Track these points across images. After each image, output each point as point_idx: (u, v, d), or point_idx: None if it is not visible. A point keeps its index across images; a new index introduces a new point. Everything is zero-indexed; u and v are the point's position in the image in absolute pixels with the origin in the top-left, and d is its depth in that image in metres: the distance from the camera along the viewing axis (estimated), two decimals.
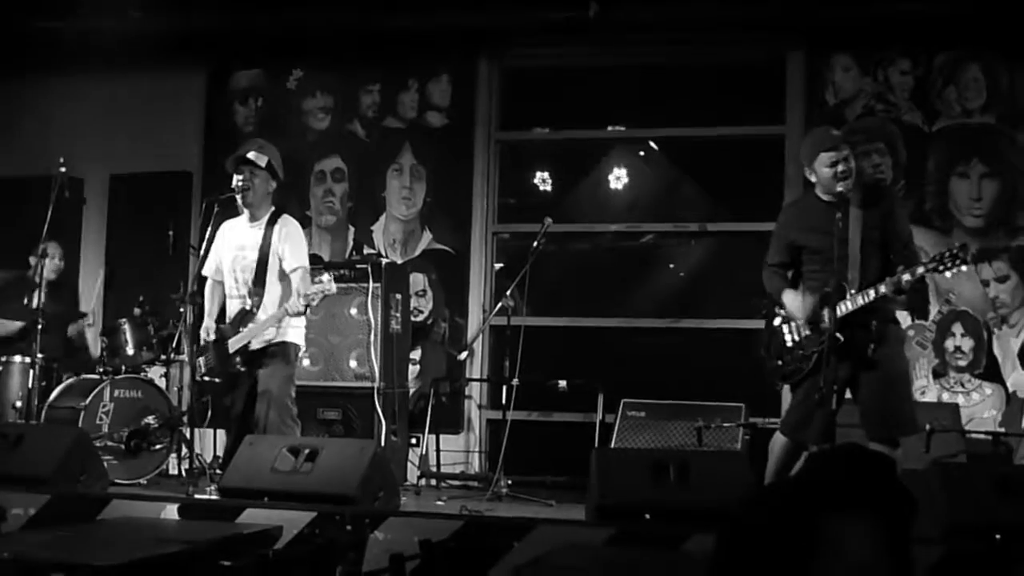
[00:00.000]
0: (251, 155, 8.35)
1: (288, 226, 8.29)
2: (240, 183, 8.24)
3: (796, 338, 6.93)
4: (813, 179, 6.94)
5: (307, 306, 7.90)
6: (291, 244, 8.19)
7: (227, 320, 8.27)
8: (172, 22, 10.97)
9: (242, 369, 8.13)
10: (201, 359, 8.34)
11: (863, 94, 10.40)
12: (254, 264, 8.18)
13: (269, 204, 8.36)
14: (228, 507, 6.93)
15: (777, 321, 7.10)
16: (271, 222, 8.25)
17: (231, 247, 8.35)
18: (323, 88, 11.65)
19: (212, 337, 8.25)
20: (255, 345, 8.09)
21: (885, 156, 10.23)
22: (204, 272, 8.55)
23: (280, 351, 8.10)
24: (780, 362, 7.03)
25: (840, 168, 6.72)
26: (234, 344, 8.12)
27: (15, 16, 10.91)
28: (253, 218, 8.32)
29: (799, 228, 7.05)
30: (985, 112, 10.16)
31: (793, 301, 6.94)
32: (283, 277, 8.16)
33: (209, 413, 9.77)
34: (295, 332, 8.18)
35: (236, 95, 11.86)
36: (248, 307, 8.12)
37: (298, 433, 8.18)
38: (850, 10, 10.17)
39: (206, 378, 8.44)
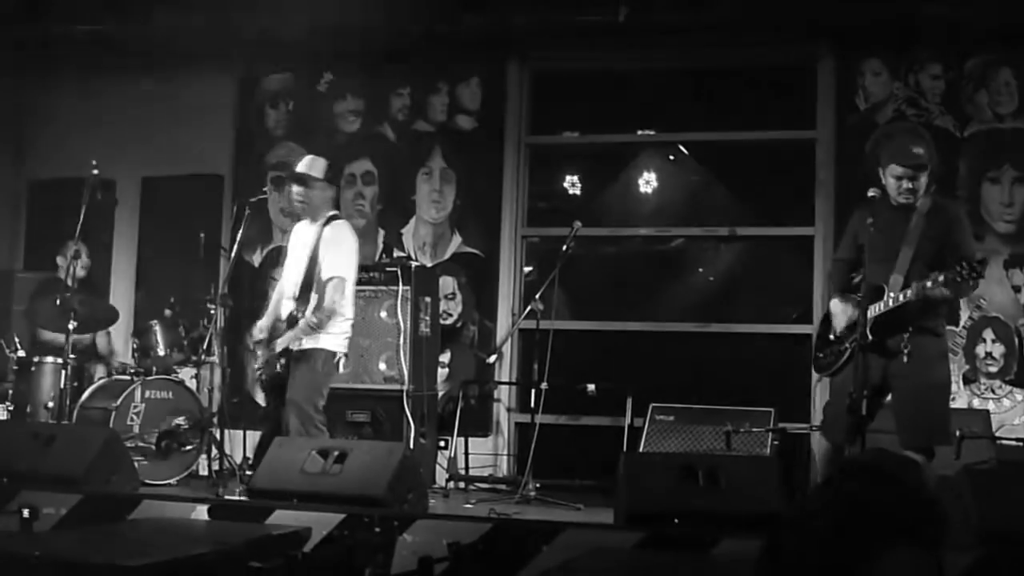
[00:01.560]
0: (302, 168, 8.41)
1: (335, 230, 8.34)
2: (299, 198, 8.36)
3: (837, 333, 7.15)
4: (882, 181, 7.06)
5: (318, 325, 8.01)
6: (332, 251, 8.22)
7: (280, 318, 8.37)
8: (203, 25, 11.01)
9: (281, 372, 8.16)
10: (260, 354, 8.37)
11: (894, 98, 10.36)
12: (304, 267, 8.25)
13: (328, 208, 8.46)
14: (257, 508, 6.95)
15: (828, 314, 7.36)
16: (324, 225, 8.32)
17: (296, 247, 8.48)
18: (353, 91, 11.68)
19: (263, 336, 8.31)
20: (293, 346, 8.13)
21: None
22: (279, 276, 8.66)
23: (305, 357, 8.13)
24: (821, 354, 7.29)
25: (905, 184, 6.87)
26: (279, 345, 8.17)
27: (48, 20, 10.97)
28: (313, 219, 8.39)
29: (863, 225, 7.08)
30: (1017, 117, 10.11)
31: (837, 306, 7.19)
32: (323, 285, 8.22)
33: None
34: (328, 338, 8.19)
35: (267, 98, 11.90)
36: (295, 312, 8.17)
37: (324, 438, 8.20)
38: (880, 14, 10.13)
39: (258, 372, 8.46)
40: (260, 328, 8.39)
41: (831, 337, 7.21)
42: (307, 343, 8.11)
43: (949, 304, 7.30)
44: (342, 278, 8.18)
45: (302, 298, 8.16)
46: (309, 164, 8.41)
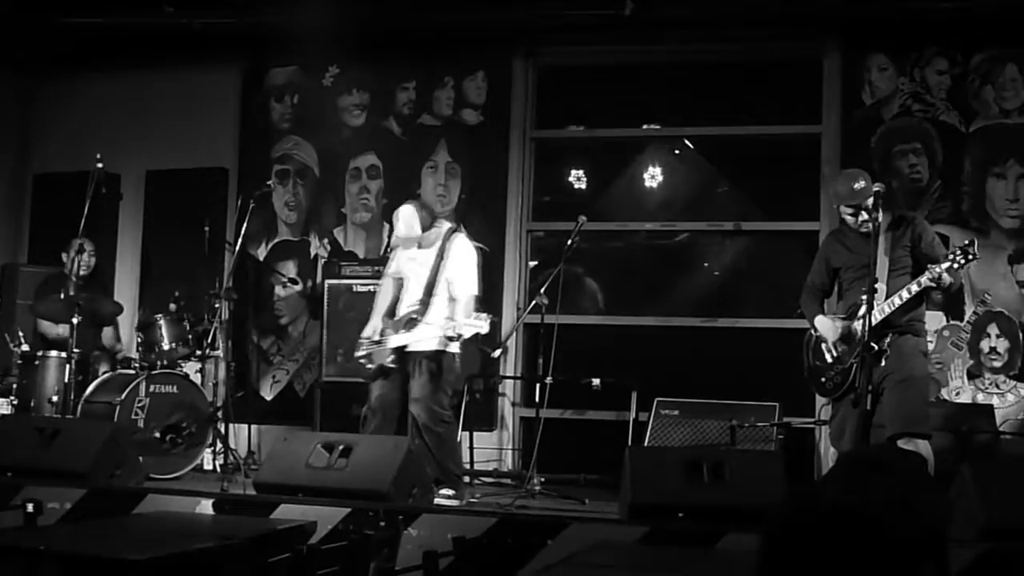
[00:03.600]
0: (405, 233, 8.49)
1: (458, 249, 8.45)
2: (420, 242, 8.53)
3: (835, 353, 7.45)
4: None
5: (458, 336, 8.06)
6: (461, 270, 8.35)
7: (395, 317, 8.47)
8: (208, 18, 11.00)
9: (393, 366, 8.27)
10: (366, 350, 8.41)
11: (899, 94, 10.36)
12: (425, 280, 8.37)
13: (443, 223, 8.59)
14: (263, 502, 6.96)
15: (815, 340, 7.66)
16: (444, 242, 8.43)
17: (408, 257, 8.59)
18: (359, 85, 11.67)
19: (377, 337, 8.42)
20: (413, 348, 8.26)
21: (921, 156, 10.19)
22: (387, 271, 8.80)
23: (430, 359, 8.25)
24: (823, 379, 7.54)
25: (861, 217, 7.32)
26: (394, 342, 8.28)
27: (52, 12, 10.96)
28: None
29: (836, 250, 7.69)
30: (1023, 113, 10.10)
31: (824, 324, 7.53)
32: (450, 295, 8.33)
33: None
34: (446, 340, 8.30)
35: (272, 92, 11.89)
36: (415, 316, 8.29)
37: (452, 432, 8.50)
38: (886, 9, 10.11)
39: (361, 360, 8.47)
40: (372, 328, 8.51)
41: (829, 359, 7.47)
42: (429, 344, 8.24)
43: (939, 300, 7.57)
44: (472, 295, 8.34)
45: (423, 303, 8.31)
46: (408, 224, 8.47)
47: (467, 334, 8.06)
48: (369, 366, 8.46)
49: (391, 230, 10.89)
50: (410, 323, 8.29)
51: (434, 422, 8.17)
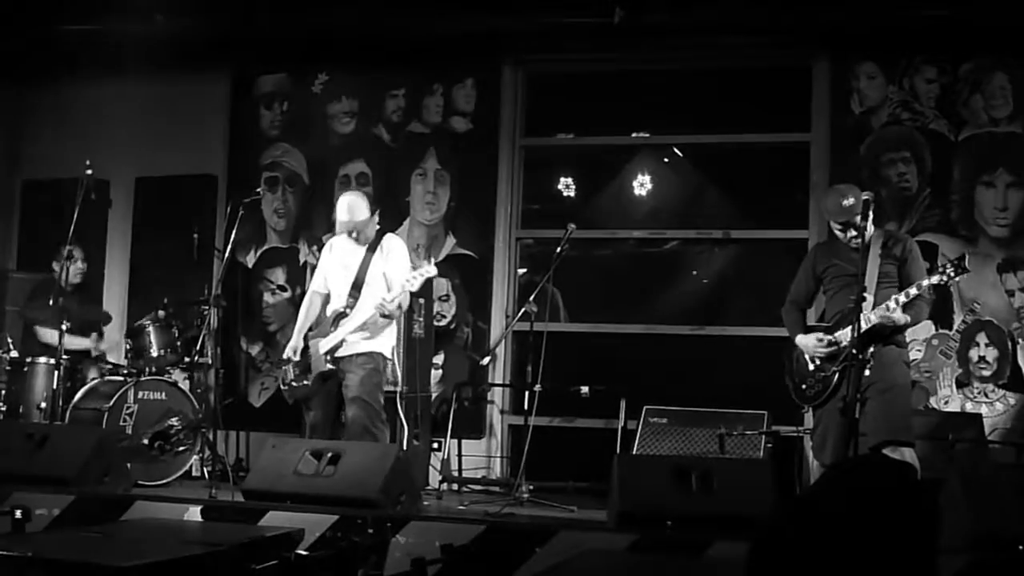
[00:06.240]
0: (349, 217, 8.33)
1: (394, 245, 8.42)
2: (353, 234, 8.37)
3: (817, 363, 7.44)
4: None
5: (393, 309, 8.02)
6: (397, 262, 8.29)
7: (321, 324, 8.40)
8: (198, 26, 11.00)
9: (331, 367, 8.19)
10: (289, 367, 8.37)
11: (889, 102, 10.37)
12: (354, 275, 8.30)
13: (374, 227, 8.46)
14: (251, 509, 6.95)
15: (798, 350, 7.62)
16: (379, 239, 8.39)
17: (336, 263, 8.49)
18: (348, 92, 11.67)
19: (296, 358, 8.37)
20: (345, 352, 8.18)
21: (910, 165, 10.21)
22: (312, 287, 8.68)
23: (366, 358, 8.18)
24: (804, 386, 7.54)
25: (850, 233, 7.35)
26: (326, 344, 8.20)
27: (42, 20, 10.95)
28: (357, 240, 8.44)
29: (823, 258, 7.69)
30: (1012, 121, 10.12)
31: (804, 340, 7.50)
32: (387, 285, 8.24)
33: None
34: (383, 341, 8.28)
35: (261, 99, 11.89)
36: (343, 309, 8.24)
37: (387, 436, 8.28)
38: (875, 17, 10.13)
39: (293, 383, 8.41)
40: (292, 348, 8.43)
41: (811, 368, 7.47)
42: (364, 346, 8.18)
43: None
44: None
45: (351, 296, 8.24)
46: (353, 209, 8.34)
47: (416, 285, 7.98)
48: (304, 382, 8.40)
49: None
50: (339, 319, 8.24)
51: (373, 422, 8.09)
